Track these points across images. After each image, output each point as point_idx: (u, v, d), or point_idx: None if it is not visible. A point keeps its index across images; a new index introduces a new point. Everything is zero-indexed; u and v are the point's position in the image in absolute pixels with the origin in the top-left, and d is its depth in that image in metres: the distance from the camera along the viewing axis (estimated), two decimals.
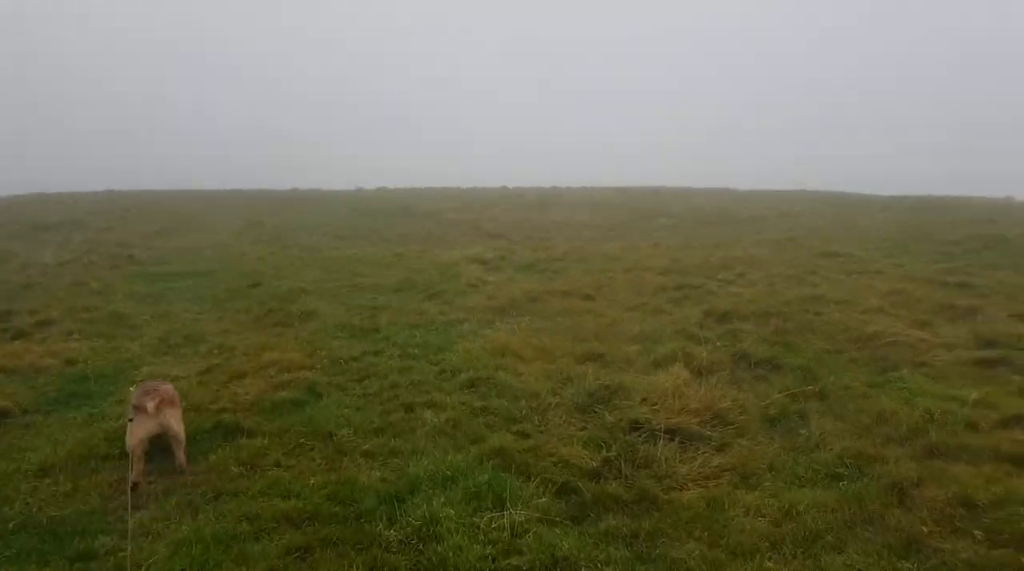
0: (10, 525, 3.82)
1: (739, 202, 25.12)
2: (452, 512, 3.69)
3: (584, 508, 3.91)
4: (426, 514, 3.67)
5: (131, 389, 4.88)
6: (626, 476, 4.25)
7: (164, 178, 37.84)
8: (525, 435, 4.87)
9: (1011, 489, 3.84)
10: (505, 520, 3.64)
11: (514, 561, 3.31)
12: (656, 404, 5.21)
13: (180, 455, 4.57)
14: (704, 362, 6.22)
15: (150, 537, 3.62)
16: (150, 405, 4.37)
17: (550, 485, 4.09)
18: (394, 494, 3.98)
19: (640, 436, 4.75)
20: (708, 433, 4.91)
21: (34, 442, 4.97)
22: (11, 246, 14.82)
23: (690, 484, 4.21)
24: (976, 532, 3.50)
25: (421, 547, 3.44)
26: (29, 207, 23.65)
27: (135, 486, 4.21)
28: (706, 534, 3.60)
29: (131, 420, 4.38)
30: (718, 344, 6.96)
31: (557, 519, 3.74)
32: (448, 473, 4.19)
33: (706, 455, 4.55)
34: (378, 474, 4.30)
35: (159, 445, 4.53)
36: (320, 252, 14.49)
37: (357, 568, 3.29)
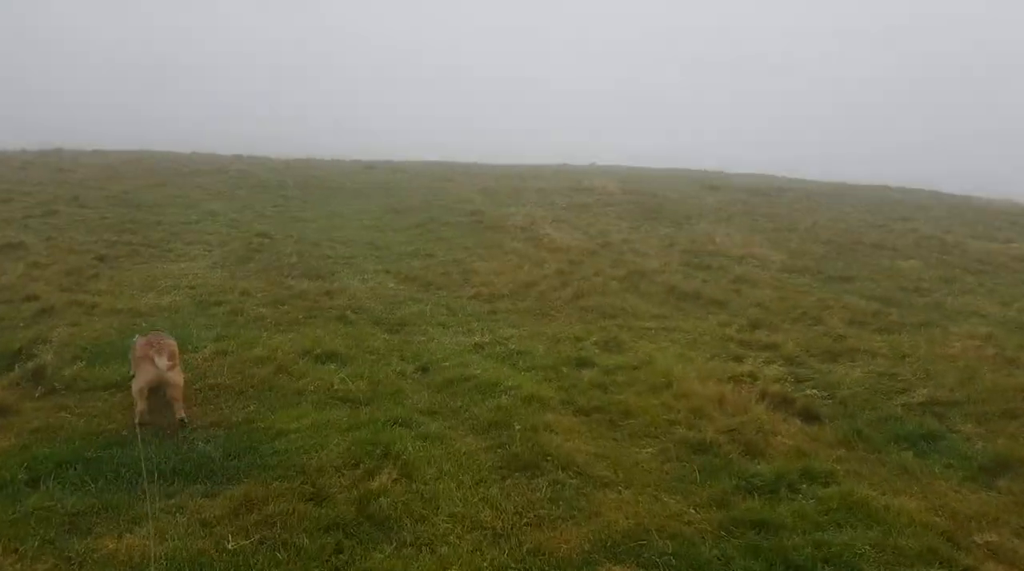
0: None
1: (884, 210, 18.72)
2: None
3: None
4: None
5: (134, 339, 5.50)
6: None
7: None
8: None
9: None
10: None
11: None
12: None
13: (179, 407, 5.20)
14: None
15: None
16: (159, 361, 5.06)
17: None
18: None
19: None
20: None
21: None
22: None
23: None
24: None
25: None
26: None
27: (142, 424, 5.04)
28: None
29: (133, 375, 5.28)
30: None
31: None
32: None
33: None
34: None
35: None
36: (416, 343, 7.66)
37: None
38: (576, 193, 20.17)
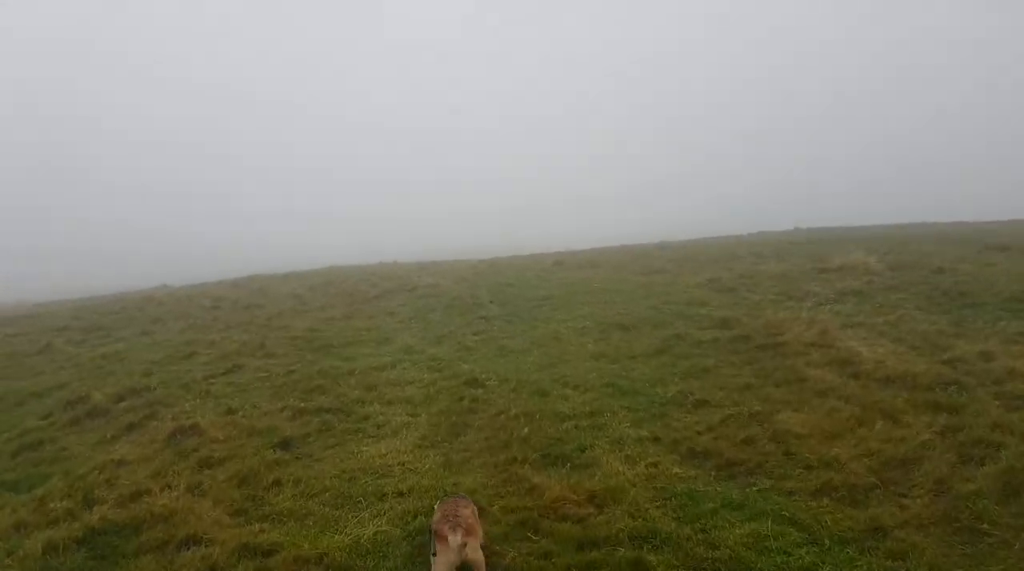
0: None
1: None
2: None
3: None
4: None
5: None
6: None
7: None
8: None
9: None
10: None
11: None
12: None
13: None
14: None
15: None
16: (453, 539, 4.39)
17: None
18: None
19: None
20: None
21: None
22: None
23: None
24: None
25: None
26: None
27: None
28: None
29: (434, 554, 4.49)
30: None
31: None
32: None
33: None
34: None
35: None
36: None
37: None
38: (830, 275, 16.00)
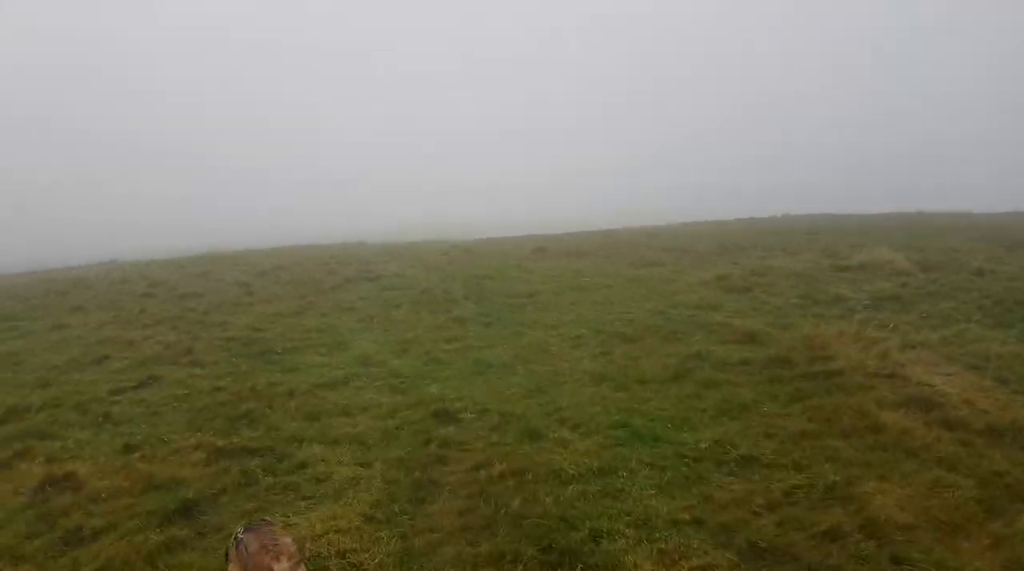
0: None
1: None
2: None
3: None
4: None
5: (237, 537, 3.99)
6: None
7: None
8: None
9: None
10: None
11: None
12: None
13: None
14: None
15: None
16: (279, 566, 3.70)
17: None
18: None
19: None
20: None
21: None
22: None
23: None
24: None
25: None
26: None
27: None
28: None
29: None
30: None
31: None
32: None
33: None
34: None
35: None
36: None
37: None
38: (855, 275, 14.04)
